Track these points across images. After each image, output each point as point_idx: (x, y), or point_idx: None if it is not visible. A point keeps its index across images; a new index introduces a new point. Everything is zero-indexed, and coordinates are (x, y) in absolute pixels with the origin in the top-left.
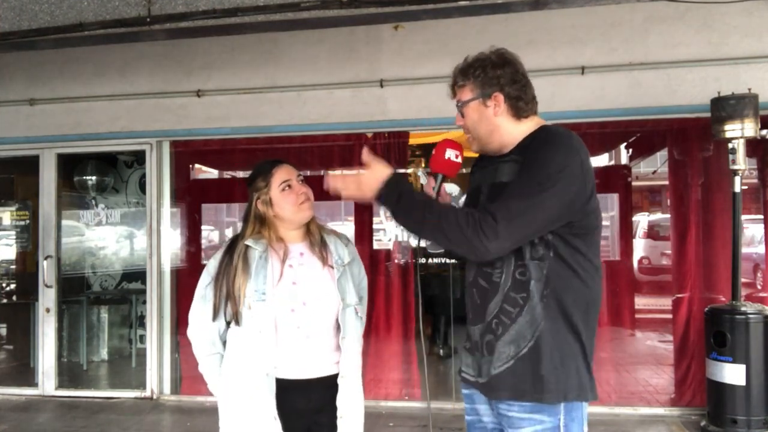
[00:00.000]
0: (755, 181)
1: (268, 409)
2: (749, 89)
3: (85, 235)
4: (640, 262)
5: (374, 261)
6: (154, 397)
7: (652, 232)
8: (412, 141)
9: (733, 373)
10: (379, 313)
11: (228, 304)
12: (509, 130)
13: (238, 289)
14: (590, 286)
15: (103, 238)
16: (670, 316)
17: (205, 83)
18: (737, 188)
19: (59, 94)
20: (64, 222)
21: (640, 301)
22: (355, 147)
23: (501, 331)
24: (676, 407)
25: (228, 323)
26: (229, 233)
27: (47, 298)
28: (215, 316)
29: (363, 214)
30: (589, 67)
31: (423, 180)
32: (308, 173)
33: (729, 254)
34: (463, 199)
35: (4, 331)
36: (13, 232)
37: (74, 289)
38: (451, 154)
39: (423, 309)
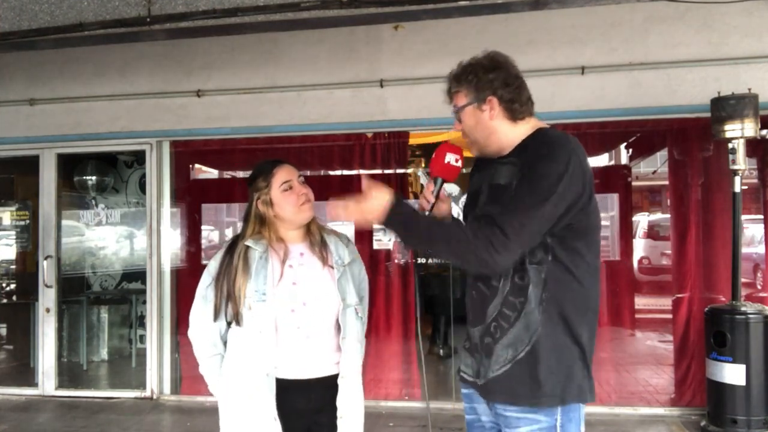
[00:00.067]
0: (755, 181)
1: (268, 409)
2: (749, 89)
3: (85, 235)
4: (640, 262)
5: (374, 261)
6: (154, 397)
7: (652, 232)
8: (412, 141)
9: (733, 373)
10: (379, 313)
11: (229, 304)
12: (506, 133)
13: (239, 289)
14: (589, 289)
15: (103, 238)
16: (670, 316)
17: (205, 83)
18: (737, 188)
19: (59, 94)
20: (64, 222)
21: (640, 301)
22: (355, 147)
23: (499, 334)
24: (676, 407)
25: (229, 324)
26: (229, 233)
27: (47, 298)
28: (216, 317)
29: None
30: (589, 67)
31: (423, 180)
32: (308, 173)
33: (729, 254)
34: (463, 198)
35: (4, 331)
36: (13, 232)
37: (74, 289)
38: (450, 158)
39: (423, 309)
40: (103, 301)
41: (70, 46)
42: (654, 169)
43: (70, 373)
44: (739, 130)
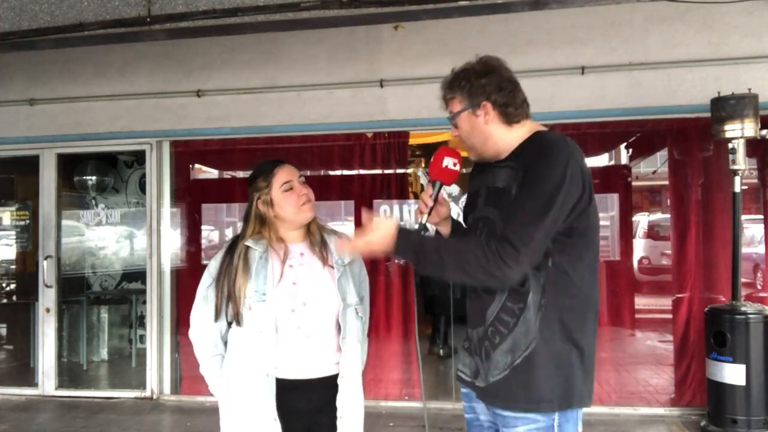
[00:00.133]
0: (755, 181)
1: (268, 409)
2: (749, 89)
3: (85, 235)
4: (640, 262)
5: (374, 261)
6: (154, 397)
7: (652, 232)
8: (412, 141)
9: (733, 373)
10: (379, 313)
11: (229, 304)
12: (502, 137)
13: (239, 289)
14: (588, 290)
15: (103, 238)
16: (670, 316)
17: (205, 83)
18: (737, 188)
19: (59, 94)
20: (64, 222)
21: (640, 301)
22: (355, 147)
23: (498, 340)
24: (676, 407)
25: (229, 324)
26: (229, 233)
27: (47, 298)
28: (217, 317)
29: (363, 214)
30: (589, 67)
31: (423, 180)
32: (308, 173)
33: (729, 254)
34: (463, 198)
35: (4, 331)
36: (13, 232)
37: (74, 289)
38: (448, 162)
39: (423, 309)
40: (103, 301)
41: (70, 46)
42: (654, 169)
43: (70, 373)
44: (739, 130)
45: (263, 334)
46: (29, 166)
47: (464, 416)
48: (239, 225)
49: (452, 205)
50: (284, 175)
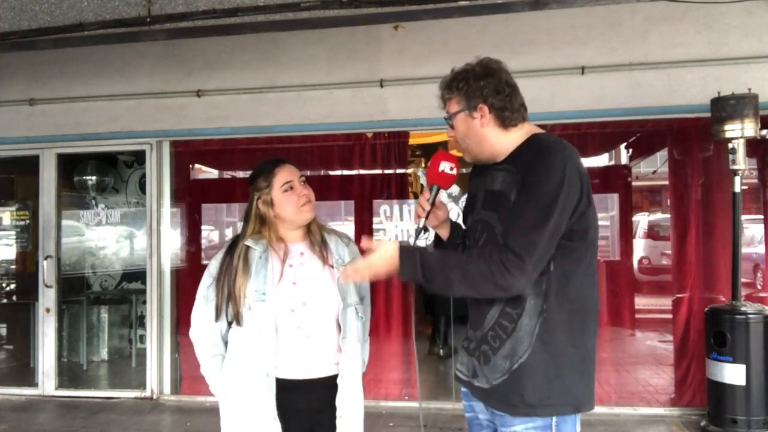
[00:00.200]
0: (755, 181)
1: (268, 409)
2: (749, 89)
3: (85, 235)
4: (640, 262)
5: None
6: (154, 397)
7: (652, 232)
8: (412, 141)
9: (733, 373)
10: (379, 313)
11: (230, 304)
12: (498, 140)
13: (239, 289)
14: (587, 294)
15: (103, 238)
16: (670, 316)
17: (205, 83)
18: (737, 188)
19: (59, 94)
20: (64, 222)
21: (640, 301)
22: (355, 147)
23: (498, 344)
24: (676, 407)
25: (230, 323)
26: (229, 233)
27: (47, 298)
28: (217, 317)
29: (363, 214)
30: (589, 67)
31: (423, 180)
32: (308, 173)
33: (729, 254)
34: (463, 199)
35: (4, 331)
36: (13, 232)
37: (74, 289)
38: (445, 166)
39: (423, 309)
40: (103, 301)
41: (70, 46)
42: (654, 169)
43: (70, 373)
44: (739, 130)
45: (263, 333)
46: (29, 166)
47: (464, 416)
48: (239, 225)
49: (452, 205)
50: (285, 175)
